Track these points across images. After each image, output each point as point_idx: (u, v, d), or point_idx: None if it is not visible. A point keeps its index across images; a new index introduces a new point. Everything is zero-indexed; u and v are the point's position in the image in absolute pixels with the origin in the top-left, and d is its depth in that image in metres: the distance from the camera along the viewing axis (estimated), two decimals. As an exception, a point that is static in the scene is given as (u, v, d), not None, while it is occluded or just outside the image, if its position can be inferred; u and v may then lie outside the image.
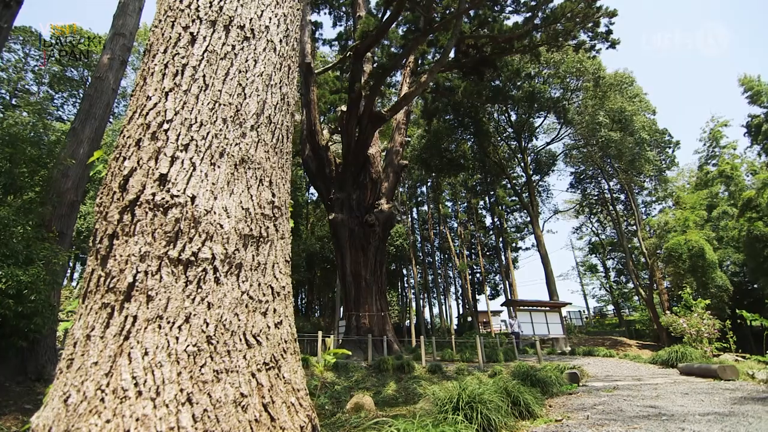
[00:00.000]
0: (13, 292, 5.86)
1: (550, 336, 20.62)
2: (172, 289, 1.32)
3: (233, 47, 1.69)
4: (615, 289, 38.09)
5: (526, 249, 42.81)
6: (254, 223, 1.56)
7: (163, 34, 1.66)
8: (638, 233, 28.52)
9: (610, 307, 42.00)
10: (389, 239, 28.42)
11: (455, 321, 41.50)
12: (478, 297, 41.28)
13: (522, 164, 31.98)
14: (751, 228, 20.86)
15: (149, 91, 1.55)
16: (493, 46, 18.71)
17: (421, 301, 38.64)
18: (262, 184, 1.64)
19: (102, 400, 1.19)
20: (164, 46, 1.63)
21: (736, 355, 11.02)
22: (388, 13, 15.60)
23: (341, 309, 23.11)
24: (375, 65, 18.47)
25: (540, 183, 35.53)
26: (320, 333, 13.96)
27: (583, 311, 42.57)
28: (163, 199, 1.39)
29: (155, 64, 1.60)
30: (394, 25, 17.27)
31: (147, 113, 1.51)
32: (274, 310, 1.55)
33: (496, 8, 18.51)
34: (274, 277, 1.60)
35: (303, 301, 40.54)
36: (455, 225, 41.51)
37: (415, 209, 41.77)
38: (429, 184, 37.95)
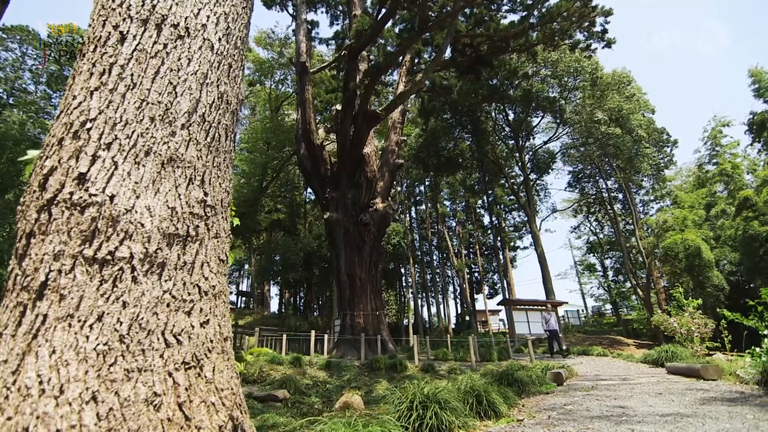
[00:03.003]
0: (-4, 291, 5.88)
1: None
2: (86, 287, 1.32)
3: (165, 46, 1.69)
4: (613, 288, 38.05)
5: (524, 248, 42.70)
6: (181, 222, 1.56)
7: (94, 34, 1.66)
8: (636, 232, 28.45)
9: (608, 307, 41.95)
10: (386, 238, 28.37)
11: (453, 320, 41.50)
12: (476, 296, 41.26)
13: (519, 163, 31.92)
14: (747, 227, 20.80)
15: (75, 91, 1.55)
16: (489, 45, 18.66)
17: (420, 300, 38.63)
18: (192, 183, 1.64)
19: (6, 397, 1.19)
20: (94, 45, 1.62)
21: (730, 355, 10.94)
22: (384, 11, 15.56)
23: (338, 308, 23.11)
24: (371, 64, 18.44)
25: (538, 182, 35.44)
26: (313, 332, 13.99)
27: (581, 310, 42.45)
28: (81, 197, 1.39)
29: (84, 63, 1.60)
30: (389, 24, 17.24)
31: (71, 112, 1.51)
32: (201, 310, 1.55)
33: (492, 7, 18.48)
34: (203, 276, 1.60)
35: (301, 301, 40.62)
36: (453, 224, 41.43)
37: (413, 208, 41.69)
38: (427, 183, 37.89)
